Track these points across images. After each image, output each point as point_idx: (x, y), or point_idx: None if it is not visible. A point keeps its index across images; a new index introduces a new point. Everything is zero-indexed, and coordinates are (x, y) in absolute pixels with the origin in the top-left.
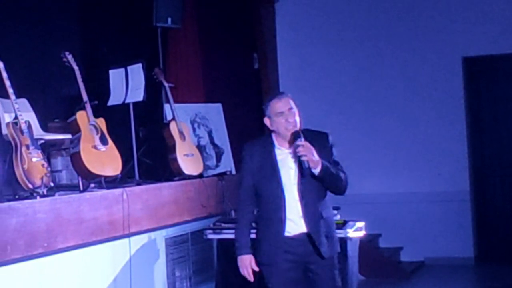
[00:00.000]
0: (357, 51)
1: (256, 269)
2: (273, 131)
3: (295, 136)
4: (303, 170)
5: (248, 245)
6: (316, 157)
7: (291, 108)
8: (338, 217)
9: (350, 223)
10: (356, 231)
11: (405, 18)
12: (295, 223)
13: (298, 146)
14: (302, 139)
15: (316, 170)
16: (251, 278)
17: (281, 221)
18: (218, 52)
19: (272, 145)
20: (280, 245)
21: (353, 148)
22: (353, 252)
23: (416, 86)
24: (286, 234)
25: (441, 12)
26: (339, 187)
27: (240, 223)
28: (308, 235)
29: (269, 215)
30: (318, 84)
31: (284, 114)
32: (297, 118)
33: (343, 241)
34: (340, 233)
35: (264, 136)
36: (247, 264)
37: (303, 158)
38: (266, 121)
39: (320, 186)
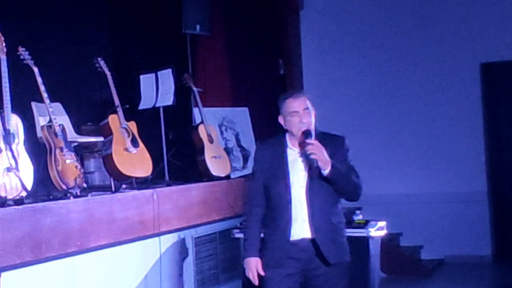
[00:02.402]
0: (378, 57)
1: (262, 273)
2: (286, 130)
3: (305, 134)
4: (311, 169)
5: (257, 248)
6: (326, 157)
7: (306, 108)
8: (360, 217)
9: (372, 222)
10: (377, 230)
11: (424, 26)
12: (299, 227)
13: (308, 144)
14: (313, 137)
15: (326, 171)
16: (255, 281)
17: (287, 224)
18: (245, 58)
19: (284, 144)
20: (284, 250)
21: (375, 151)
22: (375, 250)
23: (435, 91)
24: (291, 238)
25: (459, 18)
26: (351, 191)
27: (249, 224)
28: (312, 240)
29: (275, 216)
30: (341, 88)
31: (299, 114)
32: (312, 119)
33: (365, 240)
34: (362, 232)
35: (278, 135)
36: (252, 267)
37: (312, 156)
38: (280, 119)
39: (331, 190)
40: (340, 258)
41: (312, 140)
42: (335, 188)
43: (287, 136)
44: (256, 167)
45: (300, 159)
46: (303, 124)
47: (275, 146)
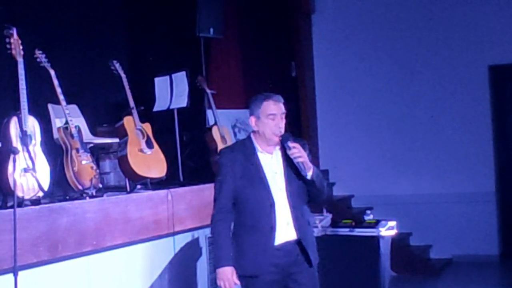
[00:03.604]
0: (388, 60)
1: (238, 282)
2: (254, 132)
3: (285, 138)
4: (300, 171)
5: (230, 256)
6: (308, 160)
7: (284, 113)
8: (371, 216)
9: (383, 222)
10: (388, 230)
11: (433, 28)
12: (284, 230)
13: (291, 148)
14: (292, 141)
15: (309, 173)
16: None
17: (271, 229)
18: (258, 61)
19: (254, 149)
20: (267, 256)
21: (385, 152)
22: (385, 249)
23: (444, 93)
24: (276, 243)
25: (467, 21)
26: (323, 193)
27: (219, 232)
28: (298, 242)
29: (254, 223)
30: (352, 90)
31: (276, 117)
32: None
33: (376, 239)
34: (373, 232)
35: (242, 140)
36: (229, 277)
37: (299, 160)
38: (251, 120)
39: (303, 191)
40: (317, 259)
41: (295, 144)
42: (311, 190)
43: (254, 139)
44: (224, 174)
45: (272, 162)
46: (278, 128)
47: (244, 150)
